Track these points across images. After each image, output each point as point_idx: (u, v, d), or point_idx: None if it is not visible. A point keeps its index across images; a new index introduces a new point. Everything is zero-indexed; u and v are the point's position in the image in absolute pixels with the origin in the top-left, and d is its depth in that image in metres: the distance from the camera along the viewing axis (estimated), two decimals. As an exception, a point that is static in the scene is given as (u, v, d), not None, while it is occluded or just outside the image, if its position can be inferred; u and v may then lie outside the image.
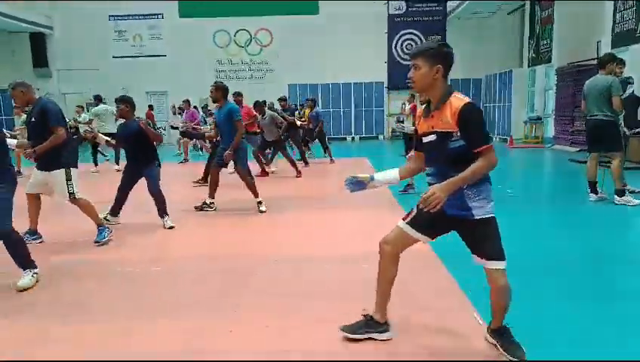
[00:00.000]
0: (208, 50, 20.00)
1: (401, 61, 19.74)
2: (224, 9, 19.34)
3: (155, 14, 19.99)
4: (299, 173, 9.38)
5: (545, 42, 15.64)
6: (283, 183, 8.81)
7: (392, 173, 2.67)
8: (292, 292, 3.48)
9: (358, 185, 2.66)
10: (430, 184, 2.41)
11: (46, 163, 4.55)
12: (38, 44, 19.71)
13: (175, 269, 4.11)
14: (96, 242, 4.79)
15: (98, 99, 11.23)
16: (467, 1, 17.58)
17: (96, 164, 10.91)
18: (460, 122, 2.25)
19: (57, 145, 4.45)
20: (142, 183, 5.53)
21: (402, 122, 9.93)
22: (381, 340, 2.66)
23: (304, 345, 2.70)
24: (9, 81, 4.72)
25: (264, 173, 9.40)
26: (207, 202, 6.33)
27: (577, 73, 12.71)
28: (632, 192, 6.30)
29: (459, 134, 2.26)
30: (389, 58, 19.85)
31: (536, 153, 13.11)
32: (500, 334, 2.48)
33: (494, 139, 15.88)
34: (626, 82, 7.89)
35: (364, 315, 2.73)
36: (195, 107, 14.23)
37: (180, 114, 15.07)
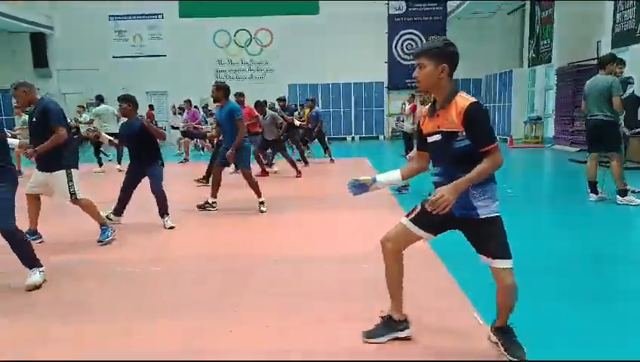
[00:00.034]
0: (208, 50, 20.01)
1: (402, 61, 19.77)
2: (224, 9, 19.35)
3: (155, 14, 20.00)
4: (299, 173, 9.39)
5: (545, 42, 15.64)
6: (283, 183, 8.82)
7: (394, 174, 2.66)
8: (292, 292, 3.48)
9: (360, 187, 2.65)
10: (436, 184, 2.42)
11: (47, 163, 4.55)
12: (39, 44, 19.73)
13: (175, 269, 4.11)
14: (99, 241, 4.79)
15: (100, 100, 11.25)
16: (467, 1, 17.58)
17: (100, 165, 10.90)
18: (465, 122, 2.24)
19: (58, 145, 4.45)
20: (144, 183, 5.54)
21: (402, 122, 9.93)
22: (403, 337, 2.66)
23: (304, 345, 2.69)
24: (9, 81, 4.73)
25: (264, 173, 9.40)
26: (210, 201, 6.33)
27: (577, 73, 12.71)
28: (633, 192, 6.29)
29: (464, 134, 2.25)
30: (389, 58, 19.85)
31: (536, 153, 13.11)
32: (503, 333, 2.47)
33: (494, 139, 15.86)
34: (627, 82, 7.90)
35: (381, 317, 2.71)
36: (195, 107, 14.25)
37: (180, 114, 15.09)
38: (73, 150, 4.72)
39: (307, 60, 19.39)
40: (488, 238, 2.33)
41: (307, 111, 11.97)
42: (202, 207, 6.32)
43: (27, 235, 4.65)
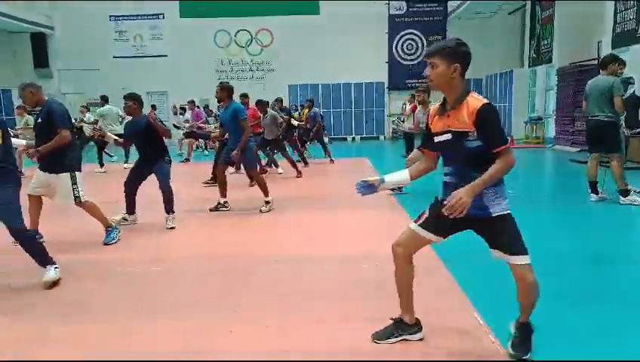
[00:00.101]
0: (209, 50, 20.02)
1: (402, 61, 19.76)
2: (225, 9, 19.36)
3: (155, 14, 20.01)
4: (299, 174, 9.39)
5: (546, 42, 15.64)
6: (283, 183, 8.81)
7: (403, 174, 2.64)
8: (292, 292, 3.48)
9: (369, 188, 2.64)
10: (447, 183, 2.43)
11: (49, 164, 4.55)
12: (39, 44, 19.74)
13: (175, 269, 4.11)
14: (105, 244, 4.79)
15: (104, 100, 11.24)
16: (468, 2, 17.57)
17: (102, 165, 10.90)
18: (477, 123, 2.24)
19: (62, 146, 4.46)
20: (149, 181, 5.53)
21: (403, 122, 9.91)
22: (414, 341, 2.65)
23: (304, 345, 2.69)
24: (10, 81, 4.75)
25: (262, 171, 9.40)
26: (222, 202, 6.33)
27: (578, 73, 12.71)
28: (636, 192, 6.28)
29: (475, 134, 2.26)
30: (389, 58, 19.85)
31: (537, 153, 13.09)
32: (521, 329, 2.46)
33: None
34: (627, 82, 7.89)
35: (392, 318, 2.70)
36: (198, 107, 14.30)
37: (181, 114, 15.11)
38: (77, 152, 4.73)
39: (308, 60, 19.39)
40: (501, 234, 2.34)
41: (306, 111, 11.98)
42: (215, 209, 6.32)
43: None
